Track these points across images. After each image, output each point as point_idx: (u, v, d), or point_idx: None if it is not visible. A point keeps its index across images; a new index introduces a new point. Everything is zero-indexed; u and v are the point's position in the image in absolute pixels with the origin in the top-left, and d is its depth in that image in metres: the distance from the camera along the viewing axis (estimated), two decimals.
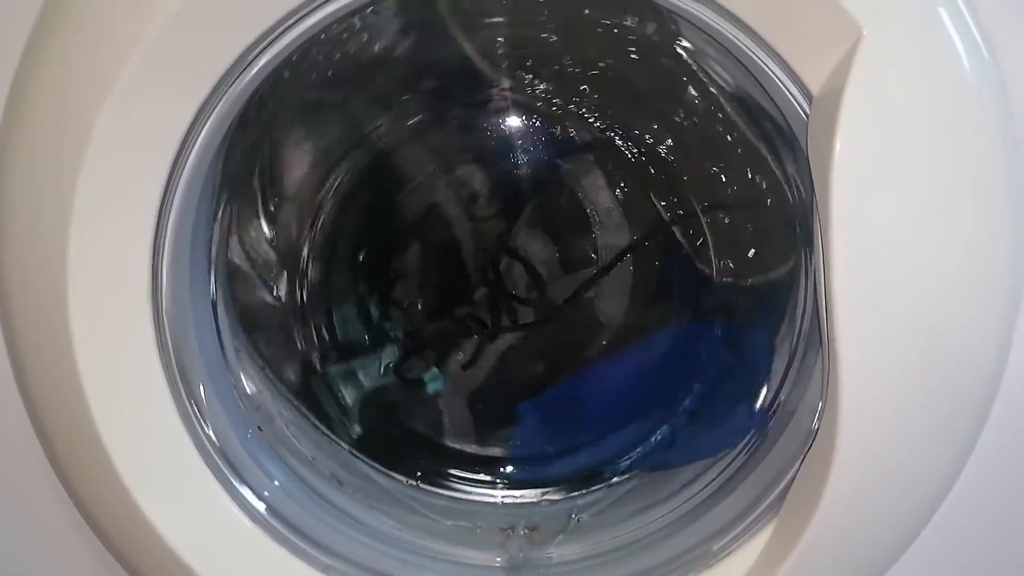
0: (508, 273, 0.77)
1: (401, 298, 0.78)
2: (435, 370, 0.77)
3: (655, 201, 0.75)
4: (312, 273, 0.76)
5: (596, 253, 0.77)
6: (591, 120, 0.75)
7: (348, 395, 0.76)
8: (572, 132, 0.75)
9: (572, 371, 0.78)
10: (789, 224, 0.63)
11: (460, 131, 0.77)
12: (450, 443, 0.78)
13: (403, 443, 0.77)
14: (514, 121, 0.75)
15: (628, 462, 0.74)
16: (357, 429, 0.75)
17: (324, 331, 0.77)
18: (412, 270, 0.78)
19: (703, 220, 0.74)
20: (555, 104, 0.74)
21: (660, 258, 0.77)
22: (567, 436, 0.78)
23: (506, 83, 0.73)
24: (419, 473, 0.73)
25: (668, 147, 0.74)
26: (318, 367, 0.76)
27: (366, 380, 0.77)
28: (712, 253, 0.74)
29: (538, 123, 0.75)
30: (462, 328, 0.78)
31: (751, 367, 0.68)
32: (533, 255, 0.77)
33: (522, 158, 0.76)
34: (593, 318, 0.78)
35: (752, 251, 0.72)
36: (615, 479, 0.74)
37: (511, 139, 0.75)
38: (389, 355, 0.78)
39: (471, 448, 0.78)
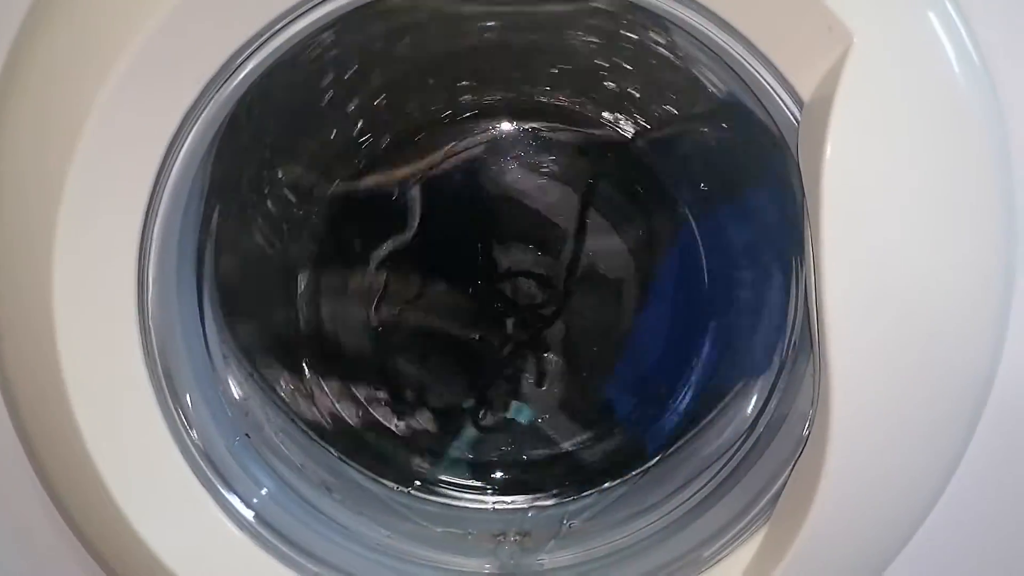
0: (516, 292, 0.79)
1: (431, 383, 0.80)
2: (516, 403, 0.79)
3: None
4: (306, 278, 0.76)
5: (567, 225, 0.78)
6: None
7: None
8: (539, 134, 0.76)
9: (622, 337, 0.80)
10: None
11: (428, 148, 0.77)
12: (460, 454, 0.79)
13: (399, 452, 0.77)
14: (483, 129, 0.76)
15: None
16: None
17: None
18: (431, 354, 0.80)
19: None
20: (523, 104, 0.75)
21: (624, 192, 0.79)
22: (651, 388, 0.79)
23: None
24: (416, 482, 0.73)
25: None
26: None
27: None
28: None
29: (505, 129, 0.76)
30: (512, 358, 0.80)
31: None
32: (523, 264, 0.79)
33: (494, 170, 0.77)
34: (607, 280, 0.79)
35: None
36: (606, 484, 0.74)
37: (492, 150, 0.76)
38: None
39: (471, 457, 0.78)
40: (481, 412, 0.79)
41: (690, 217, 0.76)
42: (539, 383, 0.80)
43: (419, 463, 0.77)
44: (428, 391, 0.79)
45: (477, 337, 0.80)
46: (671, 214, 0.77)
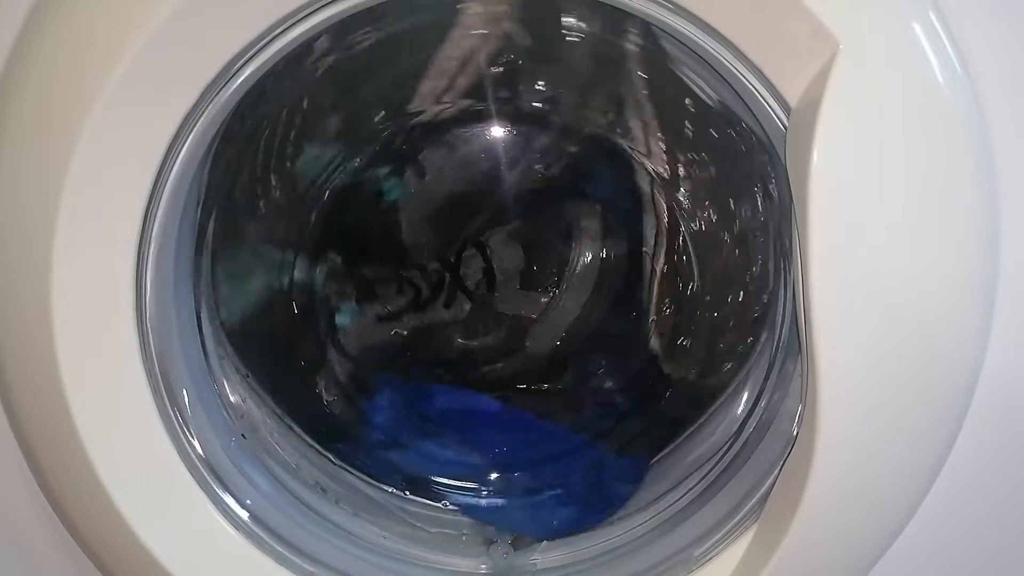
0: (467, 262, 0.78)
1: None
2: (353, 304, 0.78)
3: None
4: (300, 275, 0.76)
5: (561, 285, 0.78)
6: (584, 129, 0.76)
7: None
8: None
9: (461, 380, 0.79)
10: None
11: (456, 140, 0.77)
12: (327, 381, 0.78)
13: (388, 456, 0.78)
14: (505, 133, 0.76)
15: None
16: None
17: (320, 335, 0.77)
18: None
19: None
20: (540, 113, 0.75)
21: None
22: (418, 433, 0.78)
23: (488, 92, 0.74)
24: (406, 485, 0.74)
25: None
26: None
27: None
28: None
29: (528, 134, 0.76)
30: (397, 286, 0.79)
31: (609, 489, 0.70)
32: (497, 256, 0.79)
33: (515, 170, 0.77)
34: (520, 342, 0.78)
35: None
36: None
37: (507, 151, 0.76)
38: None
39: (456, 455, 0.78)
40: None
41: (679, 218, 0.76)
42: (379, 318, 0.78)
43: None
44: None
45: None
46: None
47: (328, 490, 0.68)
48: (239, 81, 0.50)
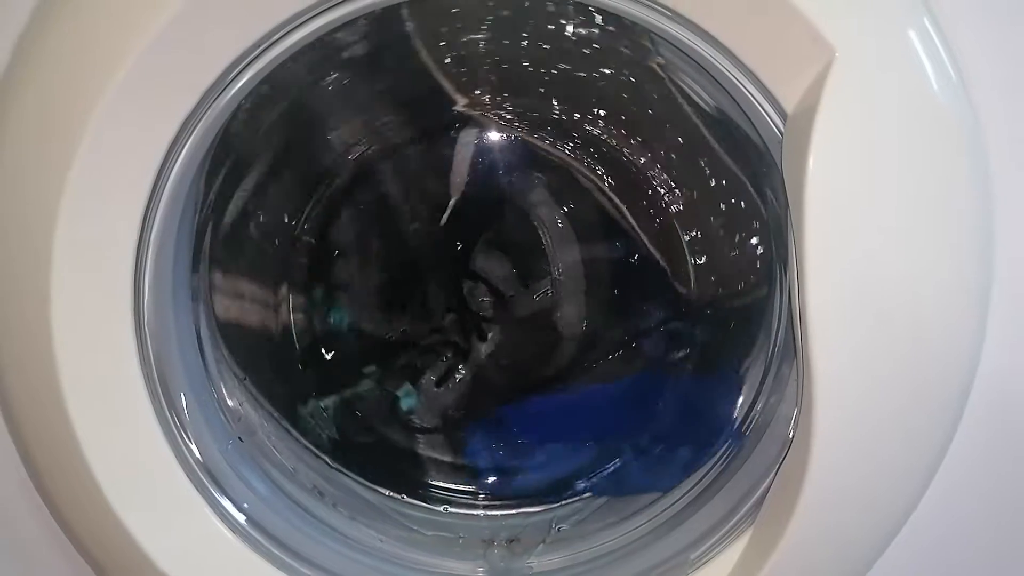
0: (472, 295, 0.79)
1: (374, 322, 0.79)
2: (408, 386, 0.79)
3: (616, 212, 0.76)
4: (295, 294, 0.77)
5: (553, 266, 0.78)
6: (559, 139, 0.76)
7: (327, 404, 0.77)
8: (538, 149, 0.76)
9: (532, 391, 0.80)
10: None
11: (423, 152, 0.78)
12: (429, 454, 0.79)
13: (383, 456, 0.78)
14: (481, 140, 0.76)
15: (582, 486, 0.76)
16: (333, 433, 0.76)
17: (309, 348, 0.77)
18: (381, 298, 0.79)
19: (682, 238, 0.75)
20: (521, 122, 0.75)
21: (618, 268, 0.79)
22: (522, 453, 0.79)
23: (474, 101, 0.74)
24: (402, 489, 0.74)
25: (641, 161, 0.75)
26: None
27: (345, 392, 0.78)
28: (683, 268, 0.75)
29: (505, 142, 0.76)
30: (432, 351, 0.80)
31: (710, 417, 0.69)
32: (492, 274, 0.80)
33: (485, 178, 0.77)
34: (556, 334, 0.79)
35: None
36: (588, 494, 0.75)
37: (480, 159, 0.76)
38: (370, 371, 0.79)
39: (449, 459, 0.79)
40: (381, 376, 0.79)
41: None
42: (437, 384, 0.79)
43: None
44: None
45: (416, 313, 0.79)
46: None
47: (325, 493, 0.68)
48: (238, 86, 0.51)
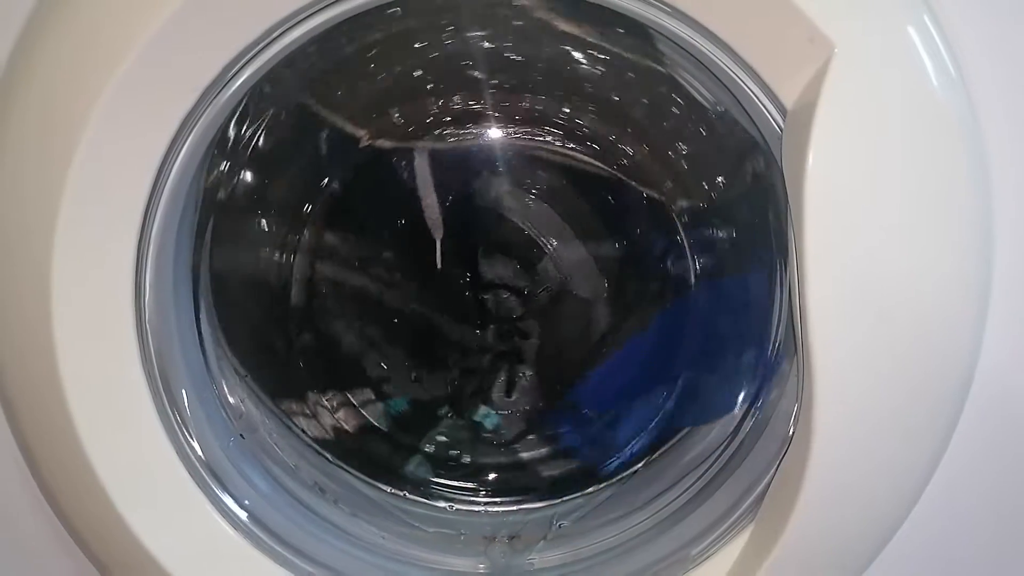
0: (497, 305, 0.81)
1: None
2: (485, 408, 0.81)
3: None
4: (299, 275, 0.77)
5: (545, 244, 0.80)
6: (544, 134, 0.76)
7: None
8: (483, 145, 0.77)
9: (592, 362, 0.81)
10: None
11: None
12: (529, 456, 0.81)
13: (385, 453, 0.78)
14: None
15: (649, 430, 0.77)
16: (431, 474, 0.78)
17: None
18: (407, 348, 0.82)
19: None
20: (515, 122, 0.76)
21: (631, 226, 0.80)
22: (609, 417, 0.81)
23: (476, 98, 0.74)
24: (404, 486, 0.74)
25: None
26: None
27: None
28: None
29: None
30: (490, 370, 0.82)
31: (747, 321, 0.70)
32: (503, 276, 0.81)
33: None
34: (585, 301, 0.80)
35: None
36: (590, 488, 0.75)
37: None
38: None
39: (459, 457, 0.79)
40: (450, 413, 0.81)
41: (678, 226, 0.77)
42: (507, 393, 0.81)
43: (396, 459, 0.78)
44: (409, 388, 0.81)
45: (458, 344, 0.82)
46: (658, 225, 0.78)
47: (327, 490, 0.68)
48: (238, 84, 0.51)
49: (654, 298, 0.80)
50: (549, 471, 0.79)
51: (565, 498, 0.75)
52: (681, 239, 0.76)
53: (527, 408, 0.81)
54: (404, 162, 0.76)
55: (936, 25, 0.47)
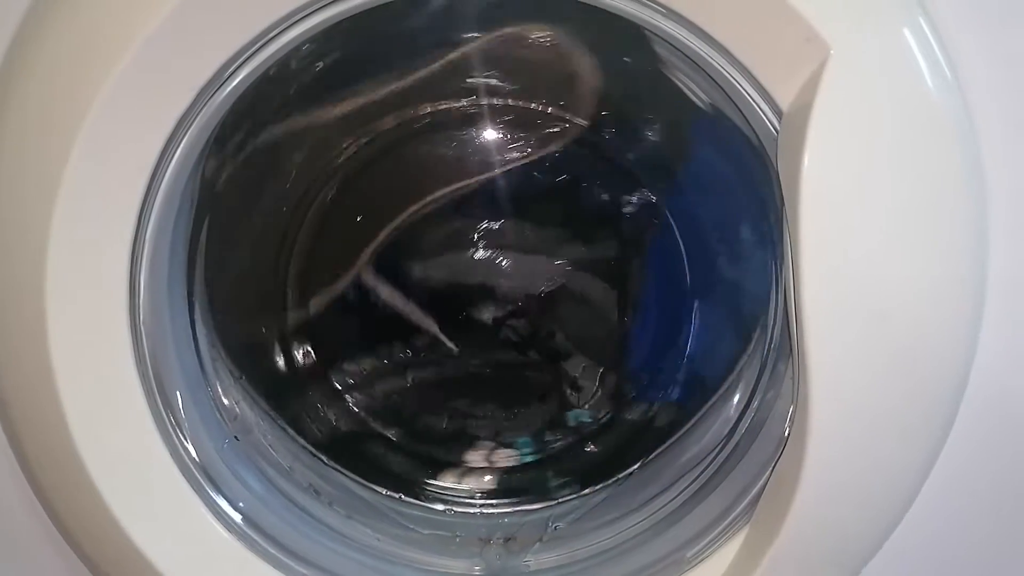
0: (501, 312, 0.82)
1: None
2: (572, 412, 0.83)
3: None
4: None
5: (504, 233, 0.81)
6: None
7: None
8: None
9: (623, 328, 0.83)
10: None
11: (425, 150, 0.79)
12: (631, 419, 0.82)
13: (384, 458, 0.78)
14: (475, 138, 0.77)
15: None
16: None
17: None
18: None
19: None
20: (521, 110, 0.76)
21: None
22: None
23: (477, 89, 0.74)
24: (399, 488, 0.74)
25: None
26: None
27: None
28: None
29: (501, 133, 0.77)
30: (545, 378, 0.84)
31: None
32: (492, 280, 0.82)
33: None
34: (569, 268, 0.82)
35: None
36: (585, 490, 0.75)
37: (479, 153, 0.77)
38: None
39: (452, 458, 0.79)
40: (546, 434, 0.83)
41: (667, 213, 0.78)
42: (573, 388, 0.83)
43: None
44: (465, 424, 0.83)
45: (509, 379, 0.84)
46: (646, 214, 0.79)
47: (321, 492, 0.68)
48: (233, 84, 0.50)
49: (640, 252, 0.81)
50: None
51: (561, 500, 0.75)
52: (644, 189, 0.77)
53: (599, 391, 0.83)
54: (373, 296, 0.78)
55: (932, 27, 0.47)
